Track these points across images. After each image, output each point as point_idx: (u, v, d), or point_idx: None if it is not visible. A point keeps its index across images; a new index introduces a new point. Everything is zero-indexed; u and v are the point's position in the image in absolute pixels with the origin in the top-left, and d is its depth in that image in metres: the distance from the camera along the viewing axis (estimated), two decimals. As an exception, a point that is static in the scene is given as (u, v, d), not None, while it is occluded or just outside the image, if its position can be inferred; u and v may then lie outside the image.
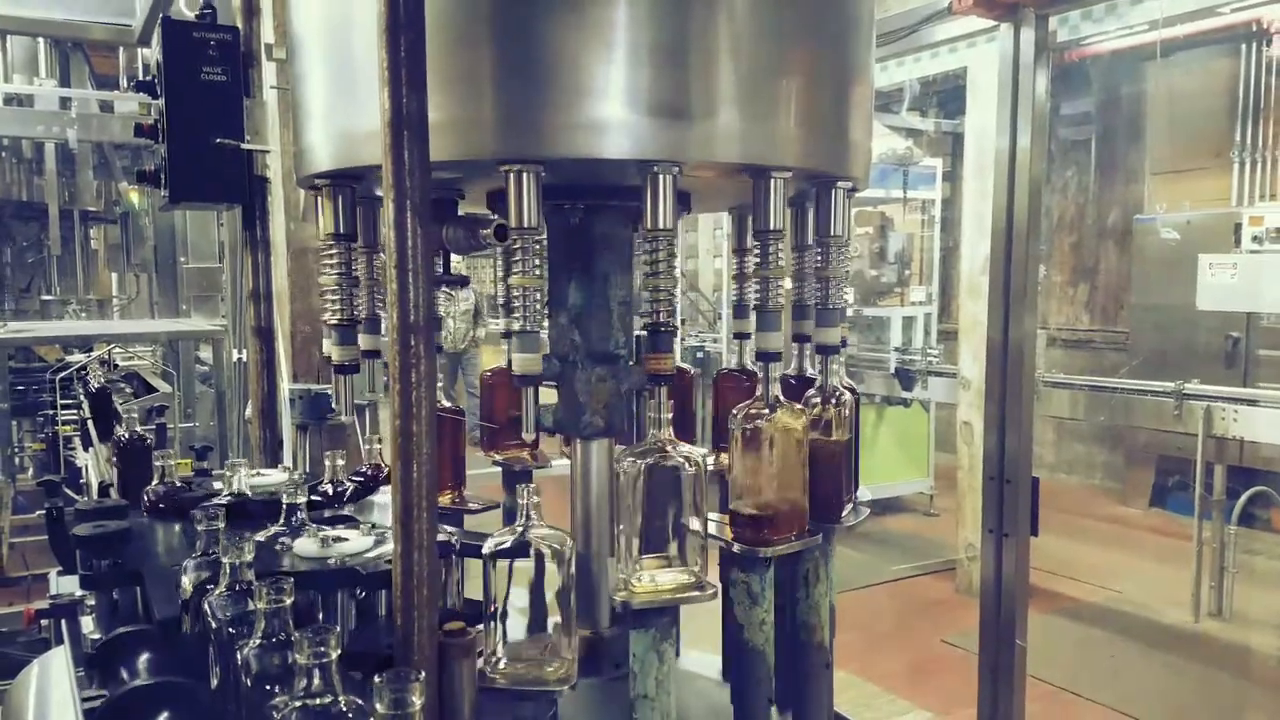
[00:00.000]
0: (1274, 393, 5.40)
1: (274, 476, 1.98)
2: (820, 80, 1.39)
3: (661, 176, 1.28)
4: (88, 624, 1.70)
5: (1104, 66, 8.56)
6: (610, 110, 1.22)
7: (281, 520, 1.50)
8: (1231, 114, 8.00)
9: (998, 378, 3.06)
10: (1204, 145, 8.17)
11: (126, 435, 2.21)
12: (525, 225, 1.26)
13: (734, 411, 1.46)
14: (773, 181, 1.36)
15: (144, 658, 1.42)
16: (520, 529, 1.33)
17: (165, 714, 1.23)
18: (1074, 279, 9.59)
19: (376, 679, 0.96)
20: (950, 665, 5.09)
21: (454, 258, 1.62)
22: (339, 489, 1.85)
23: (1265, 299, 6.13)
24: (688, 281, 9.49)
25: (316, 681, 0.99)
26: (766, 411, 1.44)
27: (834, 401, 1.59)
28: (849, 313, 1.66)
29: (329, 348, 1.58)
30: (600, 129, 1.22)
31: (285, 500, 1.52)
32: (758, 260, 1.43)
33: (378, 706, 0.94)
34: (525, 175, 1.24)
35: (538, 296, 1.30)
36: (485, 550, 1.33)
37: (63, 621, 1.77)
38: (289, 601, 1.12)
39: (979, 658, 3.14)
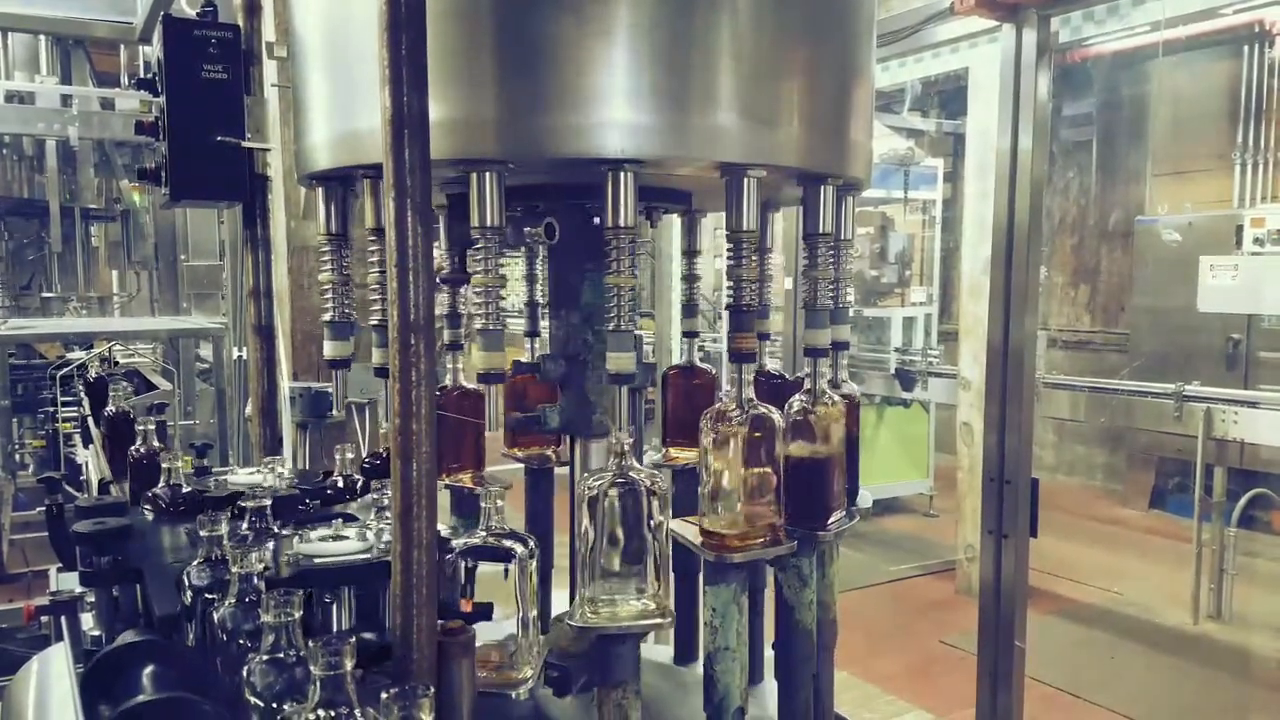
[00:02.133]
0: (1274, 395, 5.41)
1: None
2: (825, 80, 1.39)
3: (746, 180, 1.29)
4: (88, 621, 1.70)
5: (1106, 67, 8.55)
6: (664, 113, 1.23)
7: (373, 515, 1.56)
8: (1233, 115, 7.99)
9: (998, 378, 3.07)
10: (1206, 147, 8.16)
11: (114, 410, 2.34)
12: (622, 225, 1.26)
13: (787, 405, 1.53)
14: (824, 189, 1.42)
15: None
16: (616, 468, 1.34)
17: (150, 667, 1.26)
18: (1075, 280, 9.58)
19: (311, 643, 1.00)
20: (949, 666, 5.09)
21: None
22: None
23: (1266, 301, 6.14)
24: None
25: (283, 639, 1.09)
26: (815, 405, 1.52)
27: (845, 396, 1.66)
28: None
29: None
30: (678, 131, 1.23)
31: (374, 497, 1.59)
32: (806, 262, 1.50)
33: (313, 669, 0.99)
34: (623, 175, 1.23)
35: (632, 296, 1.29)
36: (578, 491, 1.35)
37: (63, 618, 1.77)
38: (259, 568, 1.22)
39: (978, 659, 3.14)
